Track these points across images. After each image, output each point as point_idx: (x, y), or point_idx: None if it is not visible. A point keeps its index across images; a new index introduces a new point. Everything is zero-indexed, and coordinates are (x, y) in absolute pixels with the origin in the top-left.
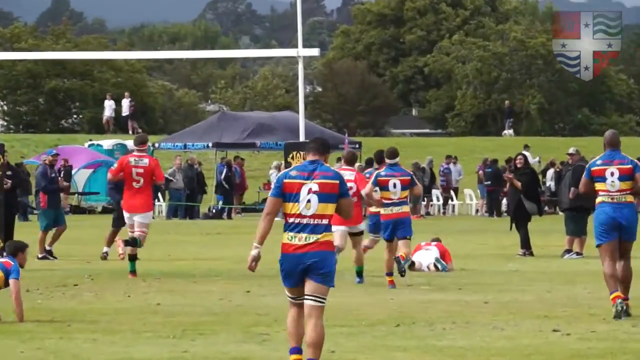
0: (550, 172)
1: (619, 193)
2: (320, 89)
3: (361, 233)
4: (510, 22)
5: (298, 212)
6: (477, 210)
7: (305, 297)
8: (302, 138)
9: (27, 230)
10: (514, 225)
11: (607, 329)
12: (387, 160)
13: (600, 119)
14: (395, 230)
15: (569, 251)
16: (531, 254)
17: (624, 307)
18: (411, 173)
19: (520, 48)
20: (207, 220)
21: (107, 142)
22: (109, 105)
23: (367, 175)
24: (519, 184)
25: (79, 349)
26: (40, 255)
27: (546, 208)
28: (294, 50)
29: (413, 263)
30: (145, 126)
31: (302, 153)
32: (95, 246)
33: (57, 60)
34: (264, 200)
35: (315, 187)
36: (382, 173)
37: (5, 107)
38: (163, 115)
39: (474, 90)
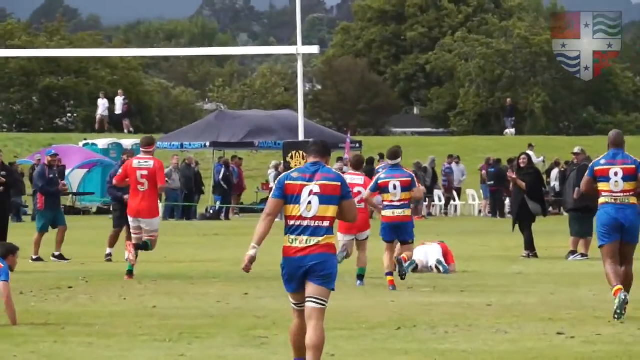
0: (555, 172)
1: (622, 194)
2: (319, 87)
3: (367, 238)
4: (514, 18)
5: (299, 214)
6: (480, 211)
7: (306, 299)
8: (301, 137)
9: (20, 232)
10: (517, 226)
11: (613, 332)
12: (389, 161)
13: (606, 117)
14: (396, 233)
15: (573, 252)
16: (535, 255)
17: (627, 298)
18: (412, 174)
19: (524, 45)
20: (204, 221)
21: (102, 142)
22: (102, 104)
23: (378, 172)
24: (523, 184)
25: (74, 352)
26: (34, 257)
27: (550, 209)
28: (293, 48)
29: (416, 266)
30: (141, 125)
31: (301, 152)
32: (90, 248)
33: (51, 58)
34: (262, 200)
35: (316, 189)
36: (382, 176)
37: None
38: (159, 114)
39: (476, 88)
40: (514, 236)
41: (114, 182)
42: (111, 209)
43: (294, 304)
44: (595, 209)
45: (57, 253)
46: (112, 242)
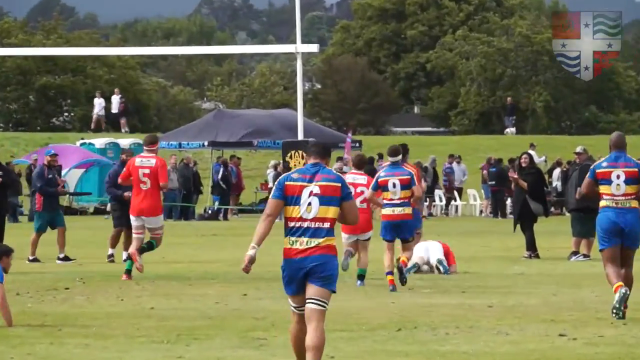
0: (557, 172)
1: (623, 197)
2: (319, 86)
3: (369, 239)
4: (516, 17)
5: (299, 215)
6: (481, 211)
7: (306, 300)
8: (300, 137)
9: (17, 232)
10: (518, 226)
11: (615, 334)
12: (389, 158)
13: (608, 116)
14: (397, 232)
15: (575, 253)
16: (537, 256)
17: (627, 292)
18: (412, 172)
19: (525, 44)
20: (202, 221)
21: (100, 141)
22: (98, 103)
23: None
24: (524, 184)
25: (70, 354)
26: (31, 258)
27: (552, 209)
28: (293, 46)
29: (418, 268)
30: (138, 124)
31: (300, 152)
32: (87, 248)
33: (48, 57)
34: (261, 200)
35: (316, 190)
36: (382, 174)
37: None
38: (157, 113)
39: (477, 87)
40: (515, 237)
41: (119, 180)
42: (110, 209)
43: (294, 307)
44: (597, 209)
45: (61, 255)
46: (114, 243)
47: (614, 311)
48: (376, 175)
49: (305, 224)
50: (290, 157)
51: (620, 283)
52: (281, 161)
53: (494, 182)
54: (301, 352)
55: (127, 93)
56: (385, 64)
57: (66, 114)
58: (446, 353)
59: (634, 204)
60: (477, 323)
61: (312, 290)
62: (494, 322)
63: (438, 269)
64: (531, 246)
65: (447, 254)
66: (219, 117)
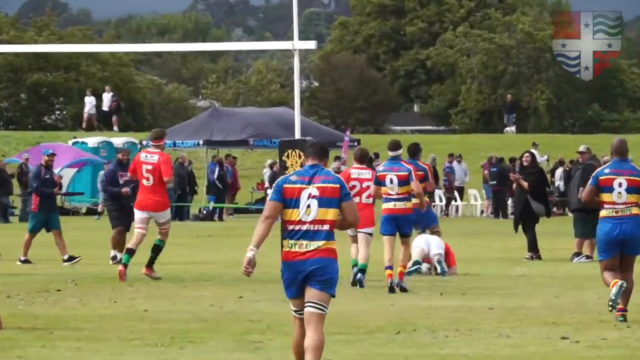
0: (559, 171)
1: (624, 205)
2: (317, 84)
3: (370, 234)
4: (518, 13)
5: (298, 218)
6: (482, 212)
7: (305, 304)
8: (297, 135)
9: (7, 233)
10: (520, 227)
11: (618, 336)
12: (389, 153)
13: (612, 115)
14: (397, 225)
15: (578, 254)
16: (539, 257)
17: (624, 285)
18: (410, 168)
19: (527, 41)
20: (197, 221)
21: (92, 140)
22: (89, 101)
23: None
24: (525, 184)
25: (62, 357)
26: (22, 259)
27: (555, 209)
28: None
29: (419, 268)
30: (132, 123)
31: (297, 151)
32: (79, 249)
33: (40, 53)
34: (257, 200)
35: (315, 192)
36: (381, 168)
37: None
38: (151, 111)
39: (479, 85)
40: (516, 237)
41: (129, 174)
42: (107, 210)
43: (295, 311)
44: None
45: (65, 257)
46: (115, 244)
47: (610, 303)
48: (369, 174)
49: (305, 227)
50: (287, 157)
51: (617, 280)
52: (277, 160)
53: (495, 182)
54: (301, 354)
55: (120, 91)
56: (384, 61)
57: (58, 112)
58: (446, 356)
59: (635, 210)
60: (477, 325)
61: (311, 293)
62: (494, 325)
63: (435, 268)
64: (533, 247)
65: (447, 254)
66: (215, 115)
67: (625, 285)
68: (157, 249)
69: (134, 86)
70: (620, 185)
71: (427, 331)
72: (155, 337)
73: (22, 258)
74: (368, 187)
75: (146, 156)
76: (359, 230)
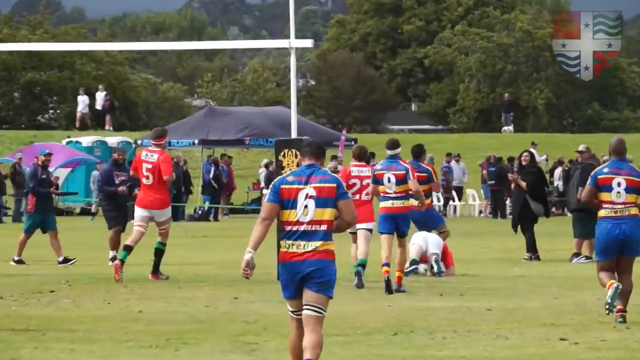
0: (558, 171)
1: (622, 205)
2: (313, 83)
3: (370, 230)
4: (516, 11)
5: (296, 219)
6: (480, 212)
7: (303, 306)
8: (294, 135)
9: (0, 233)
10: (519, 227)
11: (618, 338)
12: (387, 152)
13: (612, 114)
14: (395, 224)
15: (577, 255)
16: (537, 258)
17: (620, 287)
18: (408, 167)
19: (526, 39)
20: (192, 222)
21: (87, 139)
22: (82, 100)
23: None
24: (523, 184)
25: (56, 359)
26: (16, 259)
27: (553, 209)
28: (286, 41)
29: (416, 268)
30: (127, 122)
31: (294, 151)
32: (73, 250)
33: (34, 52)
34: (253, 200)
35: (312, 192)
36: (378, 167)
37: None
38: (146, 110)
39: (477, 83)
40: (515, 238)
41: (131, 172)
42: (103, 210)
43: (292, 312)
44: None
45: (60, 259)
46: (114, 244)
47: (607, 307)
48: (368, 169)
49: (302, 227)
50: (284, 156)
51: (613, 281)
52: (273, 160)
53: (493, 182)
54: (298, 354)
55: (115, 89)
56: (381, 59)
57: (52, 111)
58: (443, 358)
59: (634, 211)
60: (475, 327)
61: (308, 296)
62: (493, 326)
63: (432, 267)
64: (532, 248)
65: (444, 254)
66: (210, 114)
67: (620, 287)
68: (159, 253)
69: (128, 85)
70: (619, 184)
71: (425, 332)
72: (149, 338)
73: (16, 258)
74: (368, 184)
75: (146, 155)
76: (358, 226)
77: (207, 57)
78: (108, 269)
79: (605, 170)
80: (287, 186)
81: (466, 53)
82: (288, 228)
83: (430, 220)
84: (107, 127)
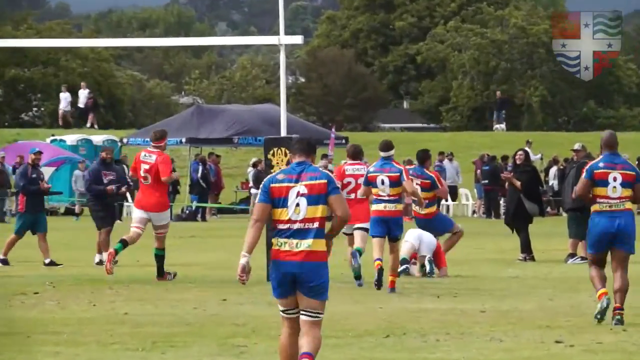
0: (553, 170)
1: (618, 200)
2: (303, 80)
3: (367, 230)
4: (510, 7)
5: (287, 217)
6: (473, 212)
7: (300, 312)
8: (283, 133)
9: None
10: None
11: (614, 340)
12: (381, 153)
13: (608, 112)
14: (387, 227)
15: (572, 255)
16: (532, 258)
17: (609, 305)
18: (401, 169)
19: (520, 35)
20: (180, 222)
21: (71, 138)
22: (64, 97)
23: (410, 172)
24: (518, 183)
25: None
26: (1, 257)
27: (548, 209)
28: (275, 38)
29: (407, 268)
30: (112, 120)
31: (283, 149)
32: (58, 251)
33: (17, 48)
34: (242, 200)
35: (303, 190)
36: (371, 169)
37: None
38: (132, 108)
39: (470, 81)
40: (509, 238)
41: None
42: (91, 211)
43: (282, 311)
44: None
45: (47, 260)
46: (104, 247)
47: (598, 317)
48: (366, 170)
49: (295, 226)
50: (273, 155)
51: (604, 290)
52: (262, 159)
53: (487, 181)
54: (288, 355)
55: (100, 87)
56: (373, 56)
57: (36, 109)
58: None
59: (628, 205)
60: (469, 329)
61: (303, 302)
62: (487, 328)
63: (422, 266)
64: (526, 248)
65: (437, 253)
66: (198, 112)
67: (609, 303)
68: (160, 259)
69: (114, 82)
70: (615, 179)
71: (417, 335)
72: (136, 341)
73: (1, 257)
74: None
75: (145, 155)
76: (355, 226)
77: (194, 53)
78: (93, 270)
79: (601, 165)
80: (277, 185)
81: (459, 50)
82: (280, 226)
83: (440, 226)
84: (88, 124)
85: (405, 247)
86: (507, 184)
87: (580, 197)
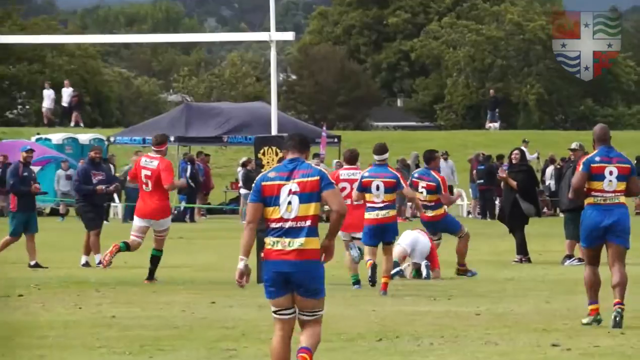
0: (550, 170)
1: (613, 194)
2: (295, 77)
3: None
4: (506, 3)
5: (279, 216)
6: (468, 212)
7: (298, 312)
8: (274, 132)
9: None
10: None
11: (612, 344)
12: (375, 157)
13: (605, 110)
14: (381, 236)
15: (569, 257)
16: (528, 260)
17: (599, 319)
18: (398, 175)
19: (517, 32)
20: None
21: (57, 136)
22: (47, 95)
23: (415, 175)
24: (514, 183)
25: None
26: None
27: (545, 209)
28: (266, 34)
29: (400, 269)
30: (99, 118)
31: (274, 148)
32: (43, 252)
33: (2, 45)
34: (231, 200)
35: (295, 188)
36: (366, 174)
37: None
38: (119, 106)
39: (465, 78)
40: (505, 239)
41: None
42: (80, 212)
43: (275, 312)
44: None
45: (32, 262)
46: (95, 248)
47: (585, 323)
48: (360, 175)
49: (287, 224)
50: (263, 154)
51: (595, 307)
52: (251, 158)
53: (482, 181)
54: (279, 358)
55: (86, 84)
56: (365, 53)
57: (21, 107)
58: None
59: (622, 199)
60: (463, 332)
61: (302, 303)
62: (482, 331)
63: (419, 272)
64: (522, 249)
65: (431, 255)
66: (187, 110)
67: (600, 321)
68: (155, 260)
69: (101, 79)
70: (611, 173)
71: (411, 338)
72: (123, 344)
73: None
74: None
75: (146, 161)
76: (353, 235)
77: (183, 50)
78: (79, 272)
79: (597, 159)
80: (268, 183)
81: (454, 46)
82: (272, 225)
83: (447, 227)
84: (72, 123)
85: (396, 251)
86: (502, 183)
87: (576, 191)
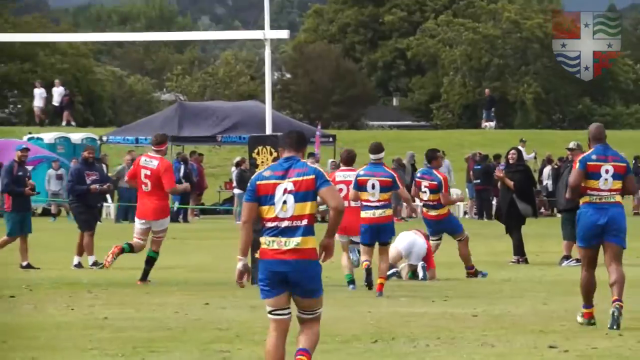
0: (547, 170)
1: (608, 192)
2: (289, 76)
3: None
4: (503, 1)
5: (274, 215)
6: (465, 212)
7: (298, 312)
8: (268, 131)
9: None
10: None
11: (610, 345)
12: (370, 156)
13: (603, 109)
14: (377, 236)
15: (567, 258)
16: (525, 261)
17: (593, 322)
18: (394, 174)
19: (514, 30)
20: None
21: (49, 136)
22: (38, 93)
23: (418, 175)
24: (511, 183)
25: None
26: None
27: (542, 209)
28: (260, 32)
29: (396, 270)
30: (91, 117)
31: (268, 148)
32: (34, 253)
33: None
34: (225, 200)
35: (290, 187)
36: (361, 172)
37: None
38: (112, 105)
39: (462, 77)
40: (502, 240)
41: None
42: (73, 213)
43: (270, 312)
44: None
45: (24, 263)
46: (88, 250)
47: (579, 322)
48: (355, 173)
49: (283, 224)
50: (258, 154)
51: (590, 311)
52: (245, 158)
53: (479, 181)
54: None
55: (79, 83)
56: (361, 51)
57: (12, 105)
58: None
59: (618, 198)
60: (460, 334)
61: (300, 303)
62: (478, 333)
63: (415, 273)
64: (519, 250)
65: (427, 255)
66: (180, 110)
67: (595, 323)
68: (151, 261)
69: (93, 78)
70: (607, 172)
71: (407, 340)
72: (115, 346)
73: None
74: None
75: (146, 160)
76: (352, 238)
77: (176, 48)
78: (71, 273)
79: (594, 157)
80: (263, 182)
81: (450, 45)
82: (268, 225)
83: (449, 228)
84: (64, 123)
85: (391, 253)
86: (499, 183)
87: (573, 189)
